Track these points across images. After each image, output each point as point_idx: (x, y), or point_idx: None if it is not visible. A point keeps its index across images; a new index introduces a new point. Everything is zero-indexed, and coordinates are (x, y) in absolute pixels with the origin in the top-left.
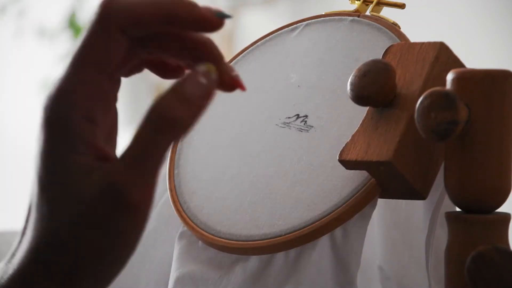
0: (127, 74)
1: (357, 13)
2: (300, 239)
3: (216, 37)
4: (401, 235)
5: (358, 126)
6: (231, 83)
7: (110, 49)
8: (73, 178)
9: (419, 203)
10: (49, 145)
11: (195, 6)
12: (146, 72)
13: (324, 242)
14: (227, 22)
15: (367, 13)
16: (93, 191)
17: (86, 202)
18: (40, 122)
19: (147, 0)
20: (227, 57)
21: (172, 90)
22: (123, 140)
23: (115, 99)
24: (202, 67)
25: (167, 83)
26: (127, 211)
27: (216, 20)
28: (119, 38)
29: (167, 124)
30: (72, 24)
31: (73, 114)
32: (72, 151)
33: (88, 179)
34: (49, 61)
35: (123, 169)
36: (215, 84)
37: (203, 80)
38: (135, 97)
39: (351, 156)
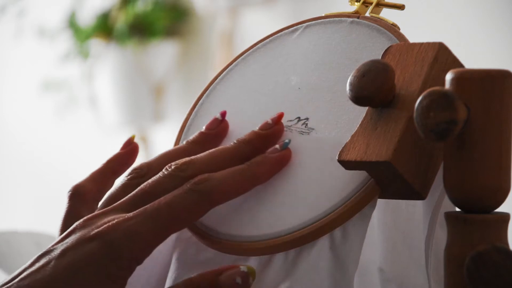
0: None
1: (356, 14)
2: (300, 239)
3: (215, 37)
4: (402, 236)
5: (358, 126)
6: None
7: (190, 217)
8: None
9: (419, 204)
10: (94, 262)
11: (267, 157)
12: (147, 73)
13: (323, 242)
14: (227, 21)
15: (367, 14)
16: None
17: None
18: (100, 242)
19: (233, 174)
20: (227, 57)
21: (211, 275)
22: (123, 141)
23: None
24: (244, 268)
25: (167, 84)
26: None
27: (286, 153)
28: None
29: None
30: (72, 24)
31: (134, 252)
32: (109, 281)
33: None
34: (49, 61)
35: None
36: (247, 287)
37: (238, 280)
38: (135, 97)
39: (351, 156)
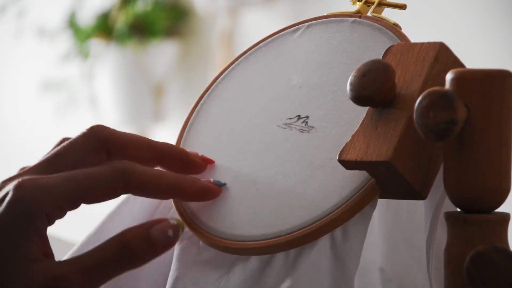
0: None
1: (358, 14)
2: (300, 239)
3: (215, 37)
4: (403, 236)
5: (358, 126)
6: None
7: (103, 190)
8: (19, 262)
9: (420, 204)
10: (8, 221)
11: (197, 180)
12: (147, 73)
13: (324, 241)
14: (227, 21)
15: (369, 14)
16: (37, 280)
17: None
18: (10, 198)
19: (158, 173)
20: (227, 57)
21: (142, 229)
22: None
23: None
24: (173, 221)
25: (167, 84)
26: None
27: (216, 188)
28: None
29: (125, 255)
30: (72, 24)
31: (44, 206)
32: (27, 237)
33: (34, 268)
34: (49, 61)
35: (75, 271)
36: (177, 239)
37: (170, 232)
38: (135, 97)
39: (351, 156)
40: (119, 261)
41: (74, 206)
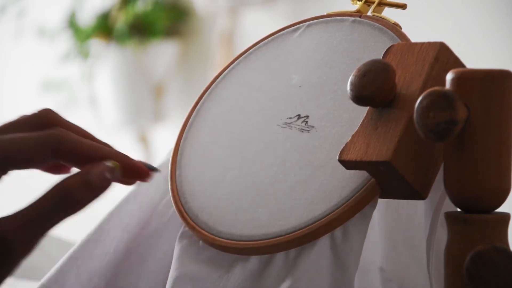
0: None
1: (358, 13)
2: (300, 239)
3: (215, 37)
4: (403, 236)
5: (358, 126)
6: (135, 170)
7: (30, 153)
8: None
9: (420, 204)
10: None
11: (130, 158)
12: (147, 73)
13: (324, 241)
14: (227, 21)
15: (369, 13)
16: None
17: None
18: None
19: (91, 142)
20: (227, 57)
21: (79, 175)
22: (123, 141)
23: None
24: (109, 163)
25: (167, 84)
26: (7, 264)
27: (147, 170)
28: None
29: (67, 201)
30: (72, 24)
31: None
32: None
33: None
34: (49, 61)
35: (17, 226)
36: (115, 180)
37: (107, 174)
38: (135, 97)
39: (351, 156)
40: (60, 209)
41: (2, 169)
